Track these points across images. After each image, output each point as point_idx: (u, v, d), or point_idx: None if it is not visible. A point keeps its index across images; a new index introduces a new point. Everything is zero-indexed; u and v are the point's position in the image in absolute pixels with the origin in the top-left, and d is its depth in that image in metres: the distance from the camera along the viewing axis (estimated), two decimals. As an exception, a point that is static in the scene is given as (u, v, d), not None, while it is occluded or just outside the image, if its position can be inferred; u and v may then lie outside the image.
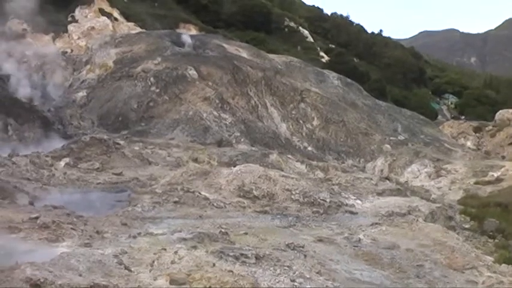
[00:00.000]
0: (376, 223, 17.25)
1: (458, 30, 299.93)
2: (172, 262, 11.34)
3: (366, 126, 38.29)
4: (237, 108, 35.31)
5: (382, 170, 33.33)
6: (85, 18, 48.99)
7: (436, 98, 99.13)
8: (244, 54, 42.57)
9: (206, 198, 18.58)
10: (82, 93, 36.34)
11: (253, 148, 30.66)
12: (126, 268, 10.79)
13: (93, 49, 41.53)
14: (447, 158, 35.15)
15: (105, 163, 23.77)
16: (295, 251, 13.20)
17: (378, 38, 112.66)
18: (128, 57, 39.36)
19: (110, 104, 34.80)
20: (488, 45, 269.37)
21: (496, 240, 18.58)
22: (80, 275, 9.83)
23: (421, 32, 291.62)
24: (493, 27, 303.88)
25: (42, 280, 9.00)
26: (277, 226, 16.33)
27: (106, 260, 10.89)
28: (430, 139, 39.49)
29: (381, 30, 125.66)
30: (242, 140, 32.23)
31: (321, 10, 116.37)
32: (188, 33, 48.98)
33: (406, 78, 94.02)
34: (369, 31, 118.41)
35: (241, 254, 11.96)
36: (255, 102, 36.93)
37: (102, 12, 50.48)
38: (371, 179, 25.48)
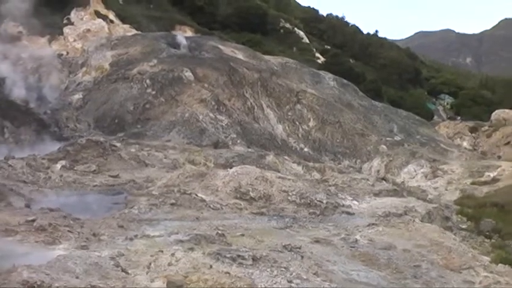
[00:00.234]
0: (373, 224, 17.28)
1: (453, 31, 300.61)
2: (169, 264, 11.34)
3: (362, 127, 38.31)
4: (233, 109, 35.30)
5: (378, 171, 33.36)
6: (81, 21, 48.89)
7: (431, 98, 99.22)
8: (240, 55, 42.57)
9: (203, 200, 18.57)
10: (78, 96, 36.29)
11: (250, 150, 30.64)
12: (123, 270, 10.78)
13: (89, 51, 41.49)
14: (443, 158, 35.21)
15: (101, 165, 23.74)
16: (292, 252, 13.21)
17: (374, 39, 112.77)
18: (124, 60, 39.32)
19: (106, 106, 34.76)
20: (483, 45, 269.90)
21: (493, 241, 18.65)
22: (77, 278, 9.82)
23: (416, 33, 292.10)
24: (488, 28, 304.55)
25: (39, 283, 8.99)
26: (274, 227, 16.34)
27: (103, 263, 10.88)
28: (426, 139, 39.53)
29: (376, 31, 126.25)
30: (238, 141, 32.22)
31: (317, 11, 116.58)
32: (184, 35, 48.90)
33: (401, 78, 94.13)
34: (365, 32, 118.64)
35: (238, 256, 11.98)
36: (251, 103, 36.93)
37: (97, 14, 50.40)
38: (367, 179, 25.50)
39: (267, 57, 45.31)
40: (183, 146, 29.38)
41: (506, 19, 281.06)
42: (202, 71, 37.37)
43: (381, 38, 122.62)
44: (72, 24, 48.26)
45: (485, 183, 29.41)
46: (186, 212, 17.34)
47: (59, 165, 22.87)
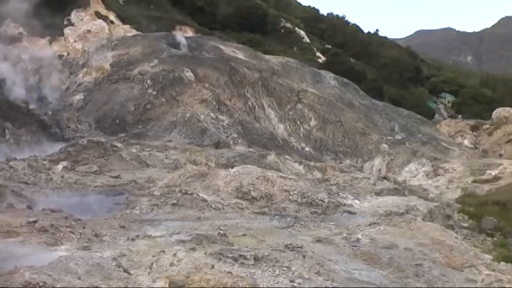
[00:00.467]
0: (375, 223, 17.26)
1: (454, 29, 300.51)
2: (171, 264, 11.34)
3: (363, 126, 38.31)
4: (234, 109, 35.31)
5: (379, 170, 33.37)
6: (81, 22, 48.92)
7: (432, 97, 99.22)
8: (240, 55, 42.58)
9: (204, 200, 18.56)
10: (79, 97, 36.32)
11: (251, 149, 30.65)
12: (125, 271, 10.78)
13: (89, 52, 41.51)
14: (445, 157, 35.22)
15: (102, 166, 23.74)
16: (294, 252, 13.20)
17: (374, 38, 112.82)
18: (125, 60, 39.33)
19: (107, 107, 34.77)
20: (484, 43, 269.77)
21: (495, 239, 18.61)
22: (79, 278, 9.82)
23: (417, 31, 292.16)
24: (489, 26, 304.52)
25: (41, 284, 8.98)
26: (276, 227, 16.32)
27: (105, 263, 10.88)
28: (427, 138, 39.54)
29: (377, 30, 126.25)
30: (239, 141, 32.23)
31: (317, 10, 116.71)
32: (184, 35, 48.90)
33: (402, 77, 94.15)
34: (365, 31, 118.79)
35: (240, 256, 11.97)
36: (252, 103, 36.94)
37: (98, 15, 50.42)
38: (369, 178, 25.47)
39: (267, 56, 45.33)
40: (184, 146, 29.40)
41: (506, 17, 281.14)
42: (203, 71, 37.38)
43: (382, 37, 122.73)
44: (72, 25, 48.29)
45: (486, 181, 29.40)
46: (187, 212, 17.32)
47: (60, 166, 22.87)
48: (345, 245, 14.75)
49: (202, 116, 33.25)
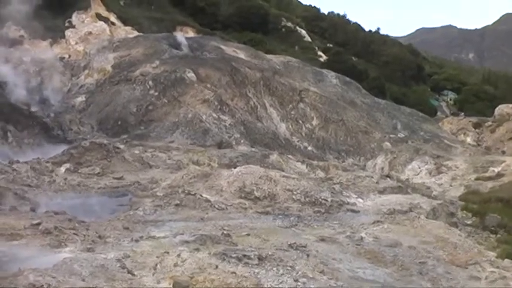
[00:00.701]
0: (378, 221, 17.27)
1: (455, 27, 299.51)
2: (175, 265, 11.35)
3: (365, 125, 38.29)
4: (236, 109, 35.31)
5: (382, 168, 33.35)
6: (82, 23, 48.92)
7: (435, 94, 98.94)
8: (242, 55, 42.58)
9: (207, 201, 18.58)
10: (81, 98, 36.34)
11: (253, 149, 30.65)
12: (129, 272, 10.80)
13: (91, 54, 41.52)
14: (447, 154, 35.20)
15: (105, 168, 23.76)
16: (298, 251, 13.21)
17: (376, 36, 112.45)
18: (126, 61, 39.34)
19: (109, 109, 34.79)
20: (486, 40, 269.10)
21: (498, 236, 18.61)
22: (83, 280, 9.84)
23: (418, 29, 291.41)
24: (490, 23, 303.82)
25: (45, 286, 9.01)
26: (279, 226, 16.34)
27: (109, 265, 10.90)
28: (429, 136, 39.51)
29: (378, 28, 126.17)
30: (242, 141, 32.22)
31: (318, 9, 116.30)
32: (185, 35, 48.91)
33: (404, 75, 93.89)
34: (367, 29, 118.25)
35: (244, 255, 11.98)
36: (254, 103, 36.94)
37: (99, 17, 50.41)
38: (372, 177, 25.46)
39: (269, 56, 45.31)
40: (187, 147, 29.40)
41: (508, 14, 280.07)
42: (205, 71, 37.38)
43: (383, 35, 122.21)
44: (73, 27, 48.28)
45: (489, 178, 29.36)
46: (191, 212, 17.35)
47: (63, 169, 22.90)
48: (349, 244, 14.77)
49: (204, 117, 33.25)
